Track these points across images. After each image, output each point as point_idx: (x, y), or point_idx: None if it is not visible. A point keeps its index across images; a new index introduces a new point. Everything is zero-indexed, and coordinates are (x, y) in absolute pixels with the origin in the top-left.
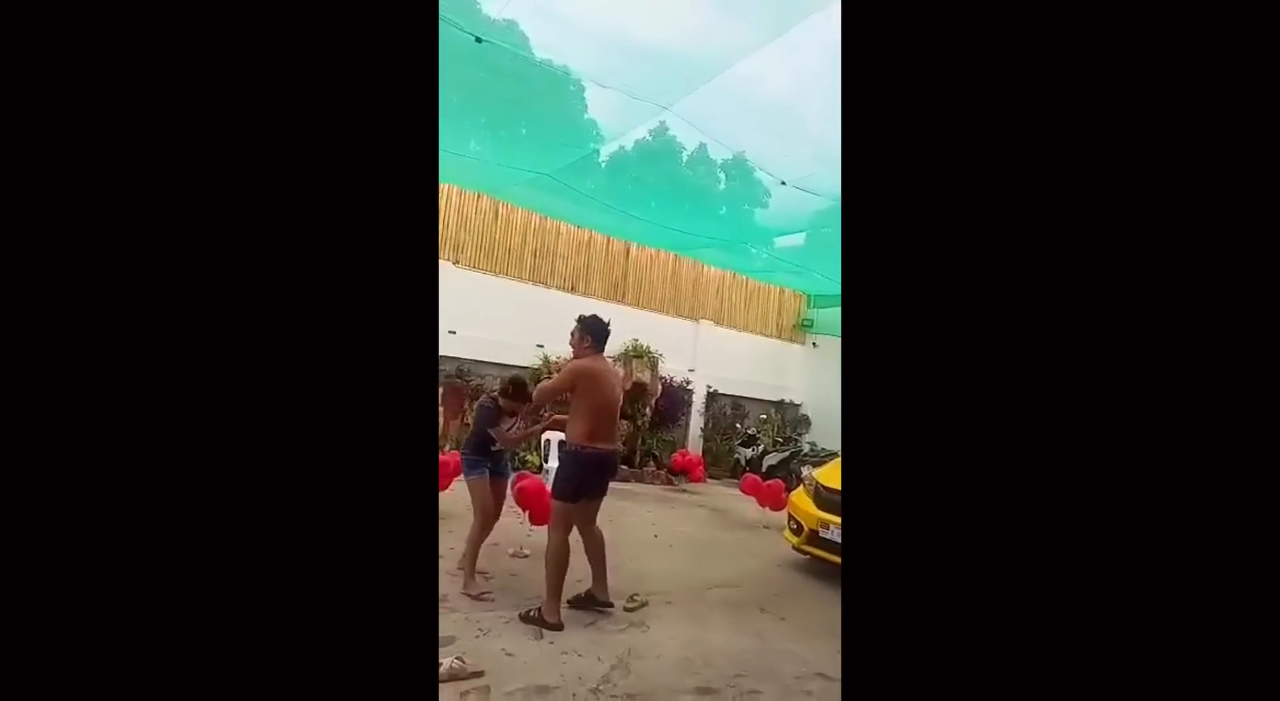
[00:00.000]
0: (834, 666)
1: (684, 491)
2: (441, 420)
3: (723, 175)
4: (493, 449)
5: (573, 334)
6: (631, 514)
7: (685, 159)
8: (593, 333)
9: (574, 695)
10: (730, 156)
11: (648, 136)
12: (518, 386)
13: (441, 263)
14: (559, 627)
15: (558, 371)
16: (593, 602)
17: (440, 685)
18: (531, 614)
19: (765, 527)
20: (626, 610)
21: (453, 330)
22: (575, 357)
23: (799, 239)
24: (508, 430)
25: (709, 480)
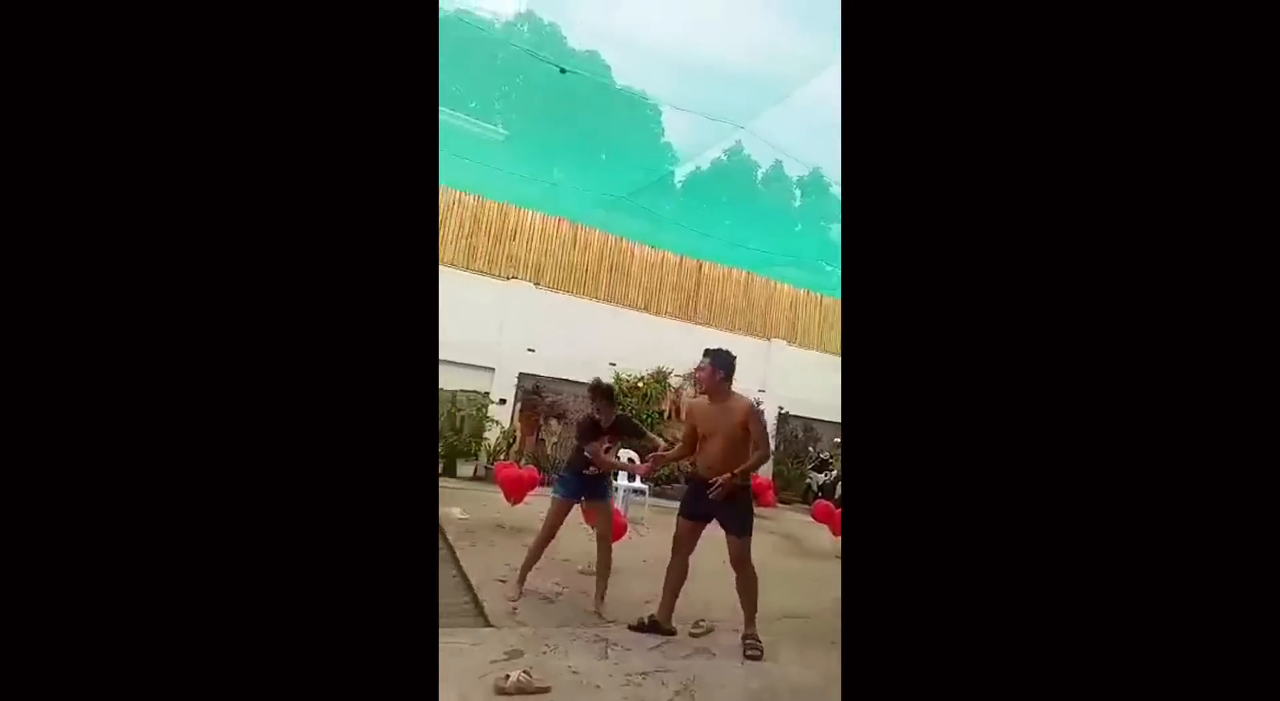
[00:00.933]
0: None
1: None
2: (519, 436)
3: (798, 192)
4: (587, 472)
5: (701, 368)
6: (701, 538)
7: (760, 177)
8: (723, 366)
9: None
10: (806, 173)
11: (723, 156)
12: (602, 392)
13: (522, 283)
14: (672, 632)
15: (631, 389)
16: (656, 628)
17: (507, 697)
18: (645, 621)
19: (838, 557)
20: (692, 635)
21: (531, 348)
22: (706, 391)
23: None
24: (605, 452)
25: (780, 505)
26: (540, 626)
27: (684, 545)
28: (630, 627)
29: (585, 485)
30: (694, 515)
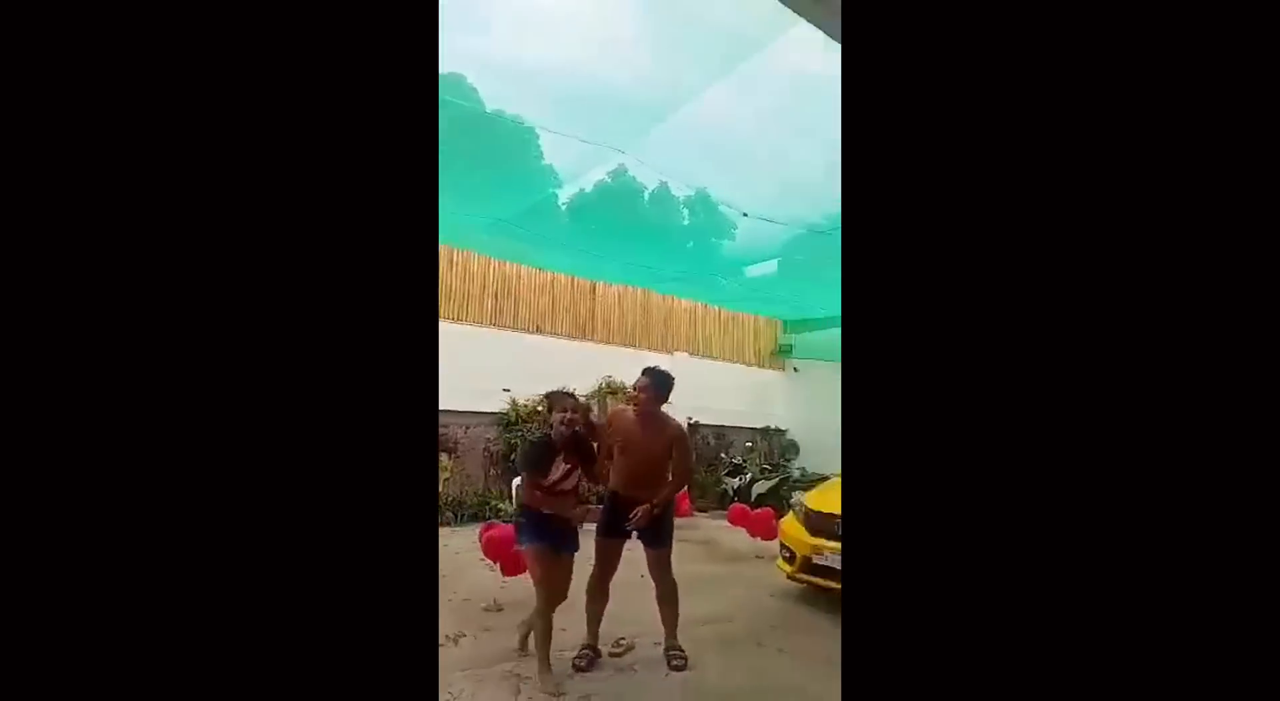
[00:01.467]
0: (835, 695)
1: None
2: None
3: (686, 211)
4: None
5: (642, 386)
6: None
7: (648, 197)
8: (661, 386)
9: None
10: (692, 193)
11: (607, 178)
12: (560, 400)
13: None
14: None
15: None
16: (594, 656)
17: None
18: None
19: (757, 557)
20: (613, 655)
21: None
22: (641, 408)
23: (770, 267)
24: (553, 484)
25: (696, 513)
26: (445, 672)
27: (606, 565)
28: (577, 669)
29: (551, 527)
30: (612, 534)
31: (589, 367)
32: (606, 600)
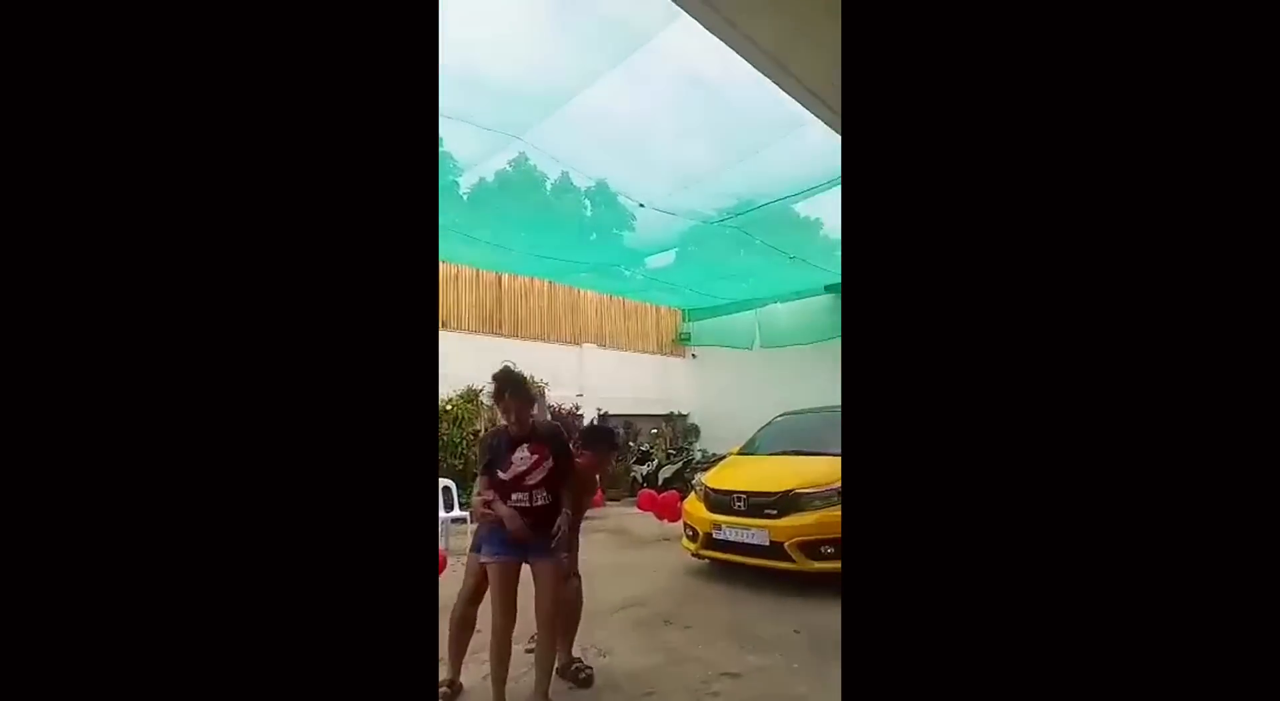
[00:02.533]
0: (737, 664)
1: (585, 518)
2: None
3: (588, 202)
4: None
5: (583, 455)
6: None
7: (549, 188)
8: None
9: None
10: (592, 184)
11: (508, 167)
12: (509, 383)
13: None
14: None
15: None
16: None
17: None
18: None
19: (665, 540)
20: (528, 652)
21: None
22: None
23: (669, 257)
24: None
25: (609, 503)
26: None
27: (478, 587)
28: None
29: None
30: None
31: (496, 363)
32: (473, 627)
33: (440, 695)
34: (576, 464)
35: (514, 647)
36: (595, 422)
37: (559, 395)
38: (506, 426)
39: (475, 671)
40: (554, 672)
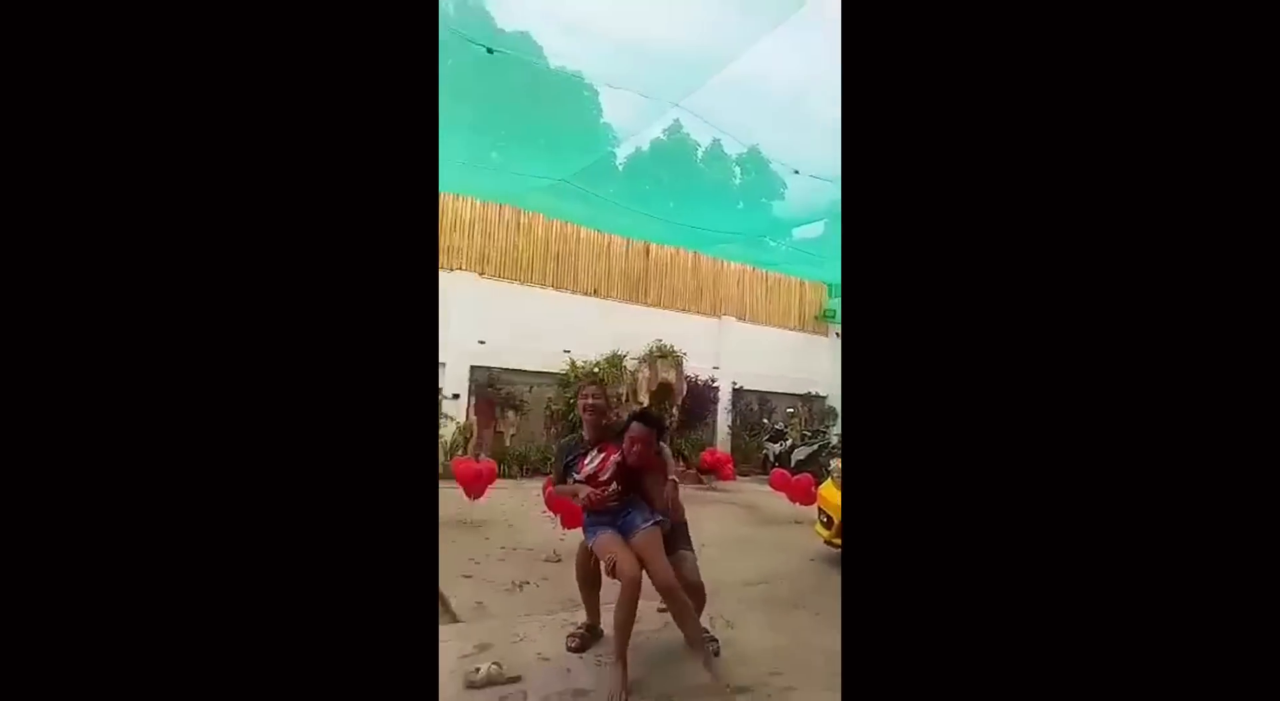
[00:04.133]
0: None
1: (713, 490)
2: (475, 430)
3: (738, 169)
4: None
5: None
6: None
7: (700, 155)
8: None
9: (611, 697)
10: (744, 150)
11: (663, 136)
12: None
13: (466, 274)
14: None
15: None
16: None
17: (478, 690)
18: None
19: (797, 523)
20: (660, 611)
21: (481, 340)
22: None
23: (818, 228)
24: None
25: (739, 477)
26: (507, 617)
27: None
28: (569, 648)
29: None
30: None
31: (641, 331)
32: (600, 579)
33: (579, 637)
34: (637, 451)
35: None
36: (640, 410)
37: (696, 366)
38: (582, 434)
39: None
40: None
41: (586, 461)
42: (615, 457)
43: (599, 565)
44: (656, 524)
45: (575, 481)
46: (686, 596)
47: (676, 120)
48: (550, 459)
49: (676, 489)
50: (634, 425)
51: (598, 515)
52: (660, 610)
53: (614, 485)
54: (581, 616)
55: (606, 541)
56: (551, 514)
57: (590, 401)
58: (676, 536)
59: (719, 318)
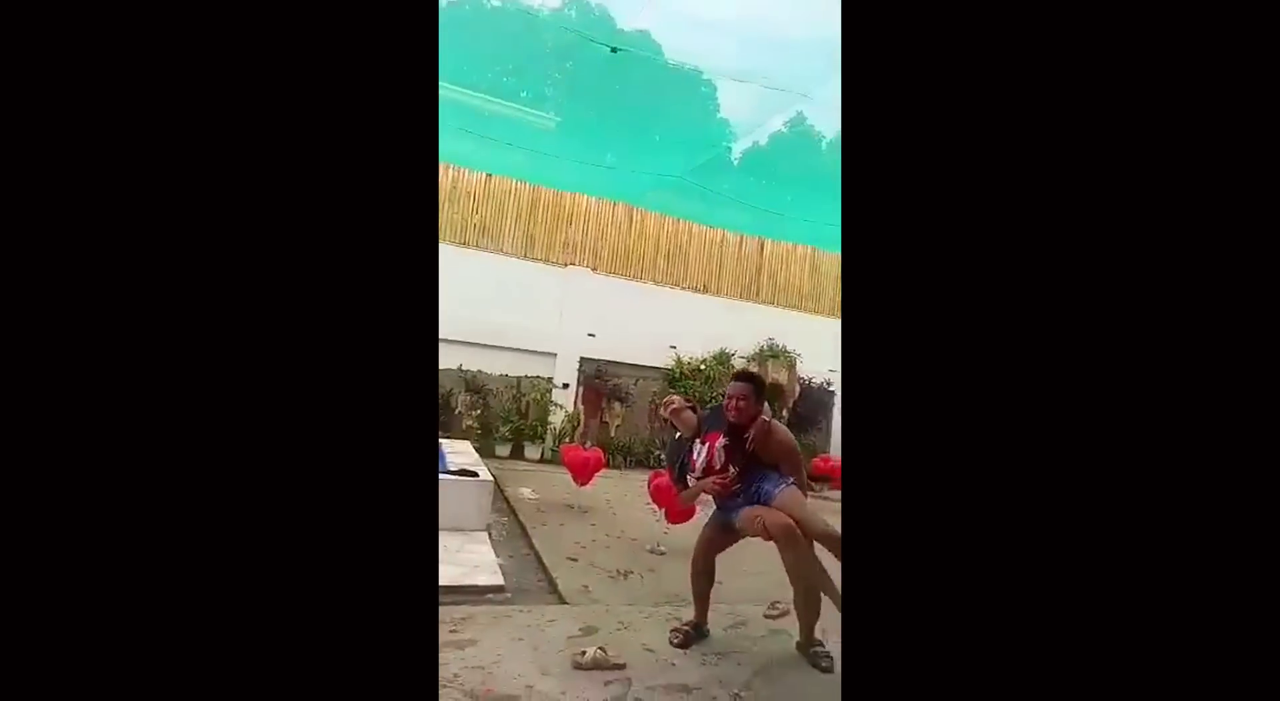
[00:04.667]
0: None
1: (825, 499)
2: (582, 419)
3: None
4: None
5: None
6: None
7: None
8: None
9: (714, 697)
10: None
11: (783, 129)
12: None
13: (579, 269)
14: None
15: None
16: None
17: (583, 671)
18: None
19: None
20: (767, 617)
21: (591, 333)
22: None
23: None
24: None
25: None
26: (612, 604)
27: (714, 540)
28: (673, 643)
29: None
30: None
31: (752, 329)
32: (713, 578)
33: (684, 633)
34: (738, 407)
35: (755, 609)
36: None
37: (811, 368)
38: (680, 434)
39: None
40: (796, 648)
41: (695, 457)
42: (720, 442)
43: (713, 561)
44: (790, 484)
45: (694, 479)
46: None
47: (799, 112)
48: (653, 451)
49: (768, 427)
50: (732, 384)
51: (730, 500)
52: (768, 616)
53: (732, 470)
54: (686, 613)
55: (748, 511)
56: (655, 506)
57: (673, 408)
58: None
59: (838, 318)
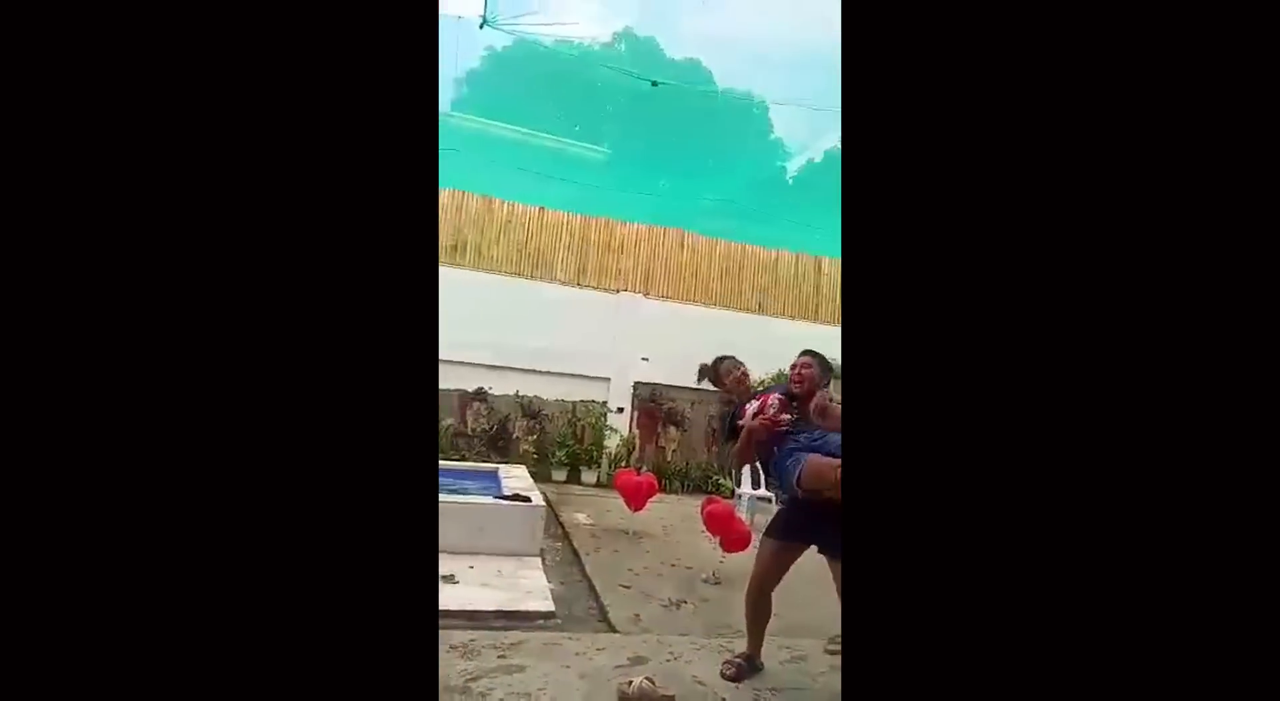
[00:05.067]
0: None
1: None
2: (638, 443)
3: None
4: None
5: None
6: None
7: None
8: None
9: None
10: None
11: (837, 146)
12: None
13: (633, 295)
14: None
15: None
16: (749, 665)
17: None
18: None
19: None
20: (828, 652)
21: (645, 357)
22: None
23: None
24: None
25: None
26: (663, 634)
27: (770, 572)
28: (725, 676)
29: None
30: (788, 535)
31: (808, 346)
32: (770, 610)
33: (736, 666)
34: (803, 374)
35: (814, 643)
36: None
37: None
38: (732, 400)
39: (774, 653)
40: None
41: (747, 409)
42: (775, 397)
43: (770, 591)
44: None
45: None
46: None
47: None
48: (711, 476)
49: (828, 399)
50: (798, 358)
51: (788, 447)
52: (829, 652)
53: (785, 415)
54: (740, 646)
55: (818, 460)
56: (711, 536)
57: (729, 393)
58: None
59: None
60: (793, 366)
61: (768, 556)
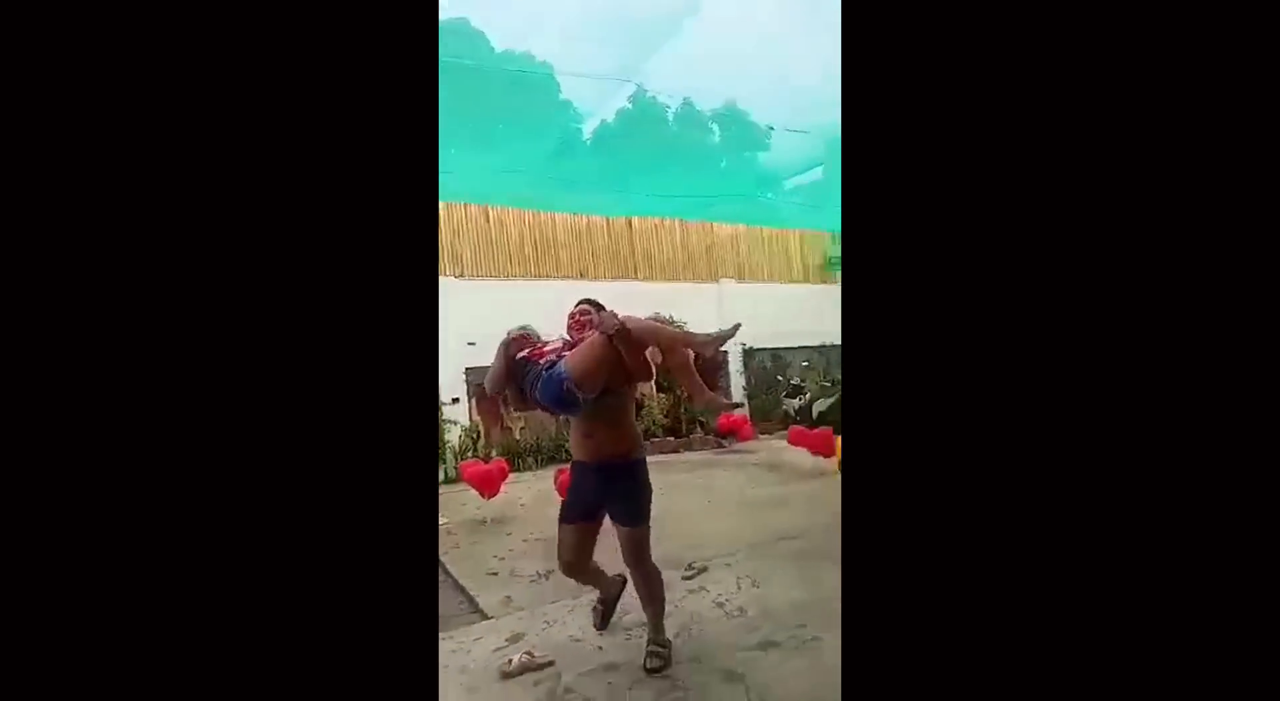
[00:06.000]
0: None
1: (735, 452)
2: (483, 430)
3: (715, 126)
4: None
5: (585, 312)
6: (684, 483)
7: (672, 118)
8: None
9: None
10: (720, 105)
11: (628, 104)
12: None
13: (446, 278)
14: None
15: None
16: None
17: (513, 679)
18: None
19: (822, 475)
20: (684, 579)
21: (471, 341)
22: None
23: (816, 174)
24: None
25: (761, 436)
26: (535, 607)
27: (574, 553)
28: (596, 627)
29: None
30: (577, 517)
31: (635, 307)
32: (592, 573)
33: (597, 612)
34: (578, 323)
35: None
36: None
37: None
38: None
39: None
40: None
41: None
42: (557, 341)
43: (587, 558)
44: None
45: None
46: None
47: (639, 85)
48: (563, 445)
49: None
50: (576, 307)
51: (537, 370)
52: (685, 578)
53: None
54: None
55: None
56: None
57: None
58: None
59: (717, 282)
60: (570, 316)
61: (567, 541)
